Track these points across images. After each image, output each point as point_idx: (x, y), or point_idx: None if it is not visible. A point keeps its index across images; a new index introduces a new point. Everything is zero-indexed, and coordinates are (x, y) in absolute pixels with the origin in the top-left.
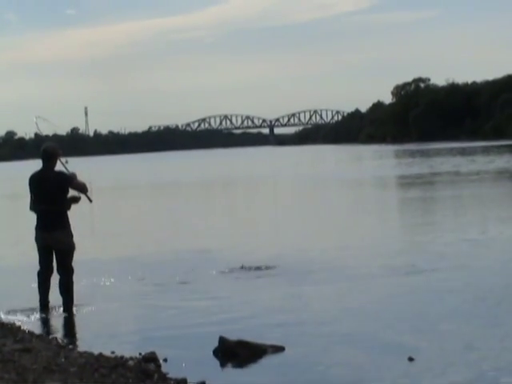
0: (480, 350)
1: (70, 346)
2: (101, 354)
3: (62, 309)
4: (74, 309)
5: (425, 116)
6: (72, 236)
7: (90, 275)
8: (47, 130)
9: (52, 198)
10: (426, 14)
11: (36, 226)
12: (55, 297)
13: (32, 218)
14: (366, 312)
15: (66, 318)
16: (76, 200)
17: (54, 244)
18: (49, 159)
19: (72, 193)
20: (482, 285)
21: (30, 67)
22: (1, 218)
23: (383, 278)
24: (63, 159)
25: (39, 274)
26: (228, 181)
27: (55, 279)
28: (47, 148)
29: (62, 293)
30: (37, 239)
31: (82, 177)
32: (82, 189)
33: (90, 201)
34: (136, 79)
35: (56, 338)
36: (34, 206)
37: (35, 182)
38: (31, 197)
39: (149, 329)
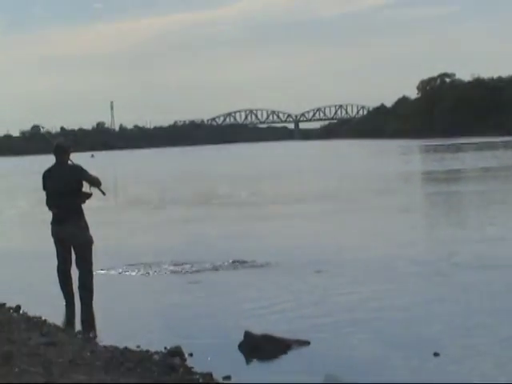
0: (508, 347)
1: (96, 340)
2: (126, 348)
3: (81, 303)
4: (97, 302)
5: (450, 111)
6: (87, 229)
7: (115, 267)
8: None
9: (68, 192)
10: (452, 8)
11: (51, 221)
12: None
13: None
14: (393, 308)
15: (87, 313)
16: (88, 196)
17: (68, 238)
18: (64, 154)
19: (84, 188)
20: None
21: (57, 61)
22: (28, 213)
23: (414, 275)
24: (89, 153)
25: (58, 269)
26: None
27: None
28: (61, 143)
29: (80, 287)
30: (52, 233)
31: (107, 171)
32: (97, 182)
33: (104, 194)
34: (162, 74)
35: (81, 332)
36: (49, 202)
37: (51, 177)
38: (47, 193)
39: (174, 323)
